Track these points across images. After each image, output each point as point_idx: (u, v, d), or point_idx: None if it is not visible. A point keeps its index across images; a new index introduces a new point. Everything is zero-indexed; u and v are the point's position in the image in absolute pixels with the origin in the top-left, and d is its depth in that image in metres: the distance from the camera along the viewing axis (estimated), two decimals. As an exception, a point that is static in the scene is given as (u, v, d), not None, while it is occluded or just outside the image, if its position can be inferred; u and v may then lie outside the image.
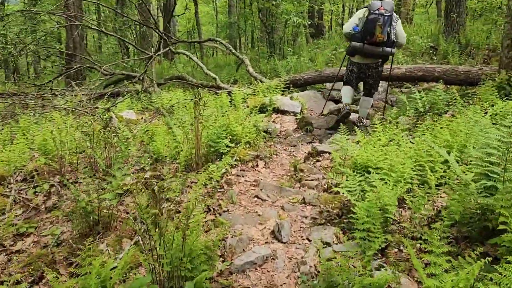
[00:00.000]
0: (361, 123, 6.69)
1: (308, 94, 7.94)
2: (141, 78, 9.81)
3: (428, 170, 3.09)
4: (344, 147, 4.17)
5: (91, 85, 10.19)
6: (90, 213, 3.15)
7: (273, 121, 6.96)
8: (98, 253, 2.96)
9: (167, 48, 9.43)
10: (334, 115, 7.04)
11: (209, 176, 3.98)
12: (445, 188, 3.18)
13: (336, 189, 3.09)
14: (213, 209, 3.68)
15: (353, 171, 3.56)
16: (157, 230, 2.22)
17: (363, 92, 6.66)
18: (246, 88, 8.16)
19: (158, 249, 2.22)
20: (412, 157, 3.46)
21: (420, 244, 2.70)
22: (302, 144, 6.09)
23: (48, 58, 13.89)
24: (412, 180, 3.21)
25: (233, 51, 9.22)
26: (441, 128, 4.08)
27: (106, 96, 9.26)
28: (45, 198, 4.73)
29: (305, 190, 4.13)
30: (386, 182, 3.13)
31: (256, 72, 9.56)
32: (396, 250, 2.75)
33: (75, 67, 10.74)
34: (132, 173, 4.74)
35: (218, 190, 4.11)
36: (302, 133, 6.51)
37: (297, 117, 7.07)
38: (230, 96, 7.70)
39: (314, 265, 2.83)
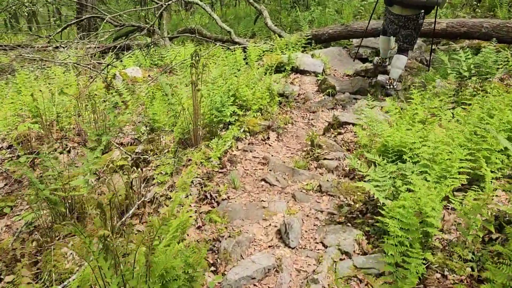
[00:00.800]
0: (391, 86, 5.83)
1: (332, 52, 7.01)
2: (151, 30, 9.01)
3: (482, 162, 2.33)
4: (371, 122, 3.39)
5: (99, 37, 9.45)
6: (56, 203, 2.56)
7: (291, 82, 6.14)
8: (60, 258, 2.39)
9: (178, -3, 8.53)
10: (361, 77, 6.16)
11: (206, 154, 3.32)
12: (506, 187, 2.42)
13: (360, 184, 2.39)
14: (210, 195, 3.04)
15: (382, 157, 2.82)
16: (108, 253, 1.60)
17: (396, 49, 5.73)
18: (263, 43, 7.27)
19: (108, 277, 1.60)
20: (461, 143, 2.67)
21: (473, 268, 2.01)
22: (322, 111, 5.30)
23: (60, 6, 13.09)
24: (460, 175, 2.45)
25: (251, 0, 8.22)
26: (495, 101, 3.24)
27: (114, 50, 8.54)
28: (29, 169, 4.20)
29: (322, 174, 3.43)
30: (426, 178, 2.39)
31: (275, 25, 8.58)
32: (438, 276, 2.05)
33: (83, 16, 9.99)
34: (124, 145, 4.13)
35: (219, 170, 3.45)
36: (323, 97, 5.70)
37: (319, 78, 6.22)
38: (245, 52, 6.87)
39: (328, 284, 2.18)
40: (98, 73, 5.73)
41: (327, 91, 5.73)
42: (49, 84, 5.83)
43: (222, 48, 7.23)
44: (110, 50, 8.45)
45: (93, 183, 3.15)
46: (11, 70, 6.42)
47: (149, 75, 6.81)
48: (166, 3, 8.10)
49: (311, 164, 3.64)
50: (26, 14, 14.93)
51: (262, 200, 3.03)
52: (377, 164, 2.63)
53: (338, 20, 8.44)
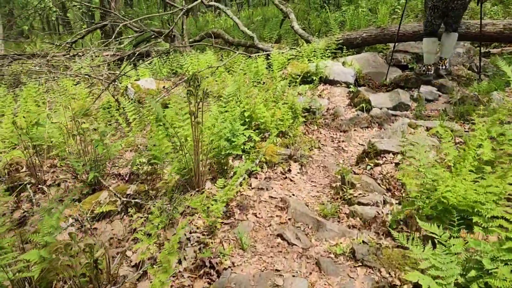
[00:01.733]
0: (443, 67, 5.32)
1: (365, 58, 6.16)
2: (170, 35, 8.42)
3: None
4: (419, 160, 2.57)
5: (119, 44, 8.96)
6: None
7: (319, 95, 5.35)
8: None
9: (198, 1, 7.86)
10: (400, 88, 5.28)
11: (209, 199, 2.63)
12: None
13: (411, 276, 1.62)
14: (210, 263, 2.33)
15: (442, 223, 2.02)
16: None
17: (444, 29, 5.27)
18: (288, 49, 6.51)
19: None
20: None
21: None
22: (355, 130, 4.50)
23: (83, 13, 12.78)
24: None
25: (276, 2, 7.46)
26: None
27: (133, 57, 8.00)
28: (15, 205, 3.64)
29: (355, 227, 2.65)
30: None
31: (303, 28, 7.78)
32: None
33: (103, 22, 9.55)
34: (121, 177, 3.48)
35: (225, 221, 2.74)
36: (356, 113, 4.88)
37: (351, 89, 5.40)
38: (268, 60, 6.13)
39: None
40: (105, 87, 5.14)
41: (361, 105, 4.91)
42: (53, 99, 5.29)
43: (244, 56, 6.51)
44: (128, 58, 7.92)
45: (73, 232, 2.50)
46: (18, 83, 5.94)
47: (164, 87, 6.19)
48: (185, 7, 7.47)
49: (341, 210, 2.87)
50: (54, 19, 14.76)
51: (277, 269, 2.29)
52: (436, 241, 1.84)
53: (372, 22, 7.54)
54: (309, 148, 3.97)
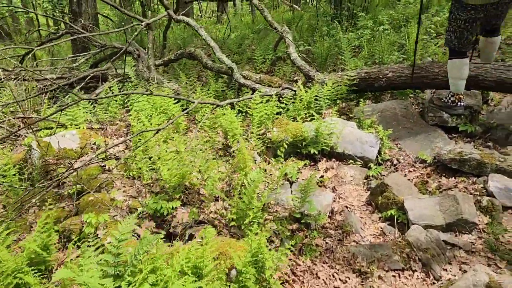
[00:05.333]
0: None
1: (391, 110, 4.00)
2: (134, 54, 6.34)
3: None
4: None
5: (72, 62, 6.91)
6: None
7: (319, 182, 3.23)
8: None
9: (162, 15, 5.73)
10: (453, 177, 3.14)
11: None
12: None
13: None
14: None
15: None
16: None
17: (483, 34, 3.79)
18: (280, 88, 4.35)
19: None
20: None
21: None
22: (380, 275, 2.38)
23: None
24: None
25: (269, 19, 5.31)
26: None
27: (83, 83, 5.92)
28: None
29: None
30: None
31: (304, 54, 5.62)
32: None
33: (59, 33, 7.48)
34: None
35: None
36: (381, 228, 2.77)
37: (371, 171, 3.28)
38: (249, 109, 4.01)
39: None
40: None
41: (389, 212, 2.79)
42: None
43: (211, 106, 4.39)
44: (83, 81, 5.84)
45: None
46: None
47: (90, 141, 4.09)
48: (147, 21, 5.36)
49: None
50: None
51: None
52: None
53: (400, 49, 5.35)
54: None
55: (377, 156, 3.44)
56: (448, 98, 3.72)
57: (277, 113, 3.90)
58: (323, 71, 5.44)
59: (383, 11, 8.58)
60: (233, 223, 2.57)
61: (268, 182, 3.13)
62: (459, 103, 3.67)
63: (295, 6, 14.88)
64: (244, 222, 2.40)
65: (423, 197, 2.80)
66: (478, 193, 2.91)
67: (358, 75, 4.29)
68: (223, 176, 3.27)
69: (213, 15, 18.34)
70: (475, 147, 3.54)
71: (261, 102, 3.88)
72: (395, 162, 3.49)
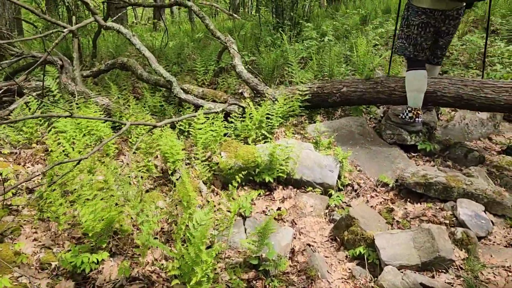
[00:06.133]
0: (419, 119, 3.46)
1: (346, 128, 3.70)
2: (57, 64, 5.53)
3: None
4: None
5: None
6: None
7: (277, 216, 2.78)
8: None
9: (90, 20, 5.05)
10: (417, 195, 2.87)
11: None
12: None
13: None
14: None
15: None
16: None
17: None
18: (227, 104, 3.88)
19: None
20: None
21: None
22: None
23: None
24: None
25: (211, 27, 4.83)
26: None
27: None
28: None
29: None
30: None
31: (251, 65, 5.22)
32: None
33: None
34: None
35: None
36: (350, 265, 2.39)
37: (333, 200, 2.92)
38: (192, 128, 3.48)
39: None
40: None
41: (357, 250, 2.42)
42: None
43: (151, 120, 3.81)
44: None
45: None
46: None
47: None
48: (70, 28, 4.62)
49: None
50: None
51: None
52: None
53: (353, 59, 5.13)
54: None
55: (337, 181, 3.08)
56: (405, 114, 3.50)
57: (225, 134, 3.41)
58: (270, 84, 5.06)
59: (327, 21, 8.48)
60: (176, 282, 2.03)
61: (217, 219, 2.63)
62: (417, 119, 3.45)
63: (235, 15, 14.55)
64: (191, 284, 1.88)
65: (395, 232, 2.47)
66: (448, 221, 2.65)
67: (311, 90, 3.95)
68: (163, 213, 2.71)
69: (149, 22, 17.48)
70: (437, 166, 3.33)
71: (206, 121, 3.37)
72: (356, 186, 3.15)
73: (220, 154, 3.10)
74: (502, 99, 3.08)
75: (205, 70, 5.64)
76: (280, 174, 2.92)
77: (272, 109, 3.59)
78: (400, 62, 5.66)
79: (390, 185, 3.12)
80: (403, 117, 3.51)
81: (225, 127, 3.44)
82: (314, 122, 4.03)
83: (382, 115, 4.19)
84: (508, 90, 3.06)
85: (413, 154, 3.52)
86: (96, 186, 2.84)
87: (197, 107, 4.19)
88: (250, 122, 3.39)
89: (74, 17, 5.95)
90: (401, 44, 3.44)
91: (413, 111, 3.43)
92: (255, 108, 3.52)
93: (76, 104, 4.58)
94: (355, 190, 3.12)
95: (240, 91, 5.17)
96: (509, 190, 3.05)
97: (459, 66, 5.69)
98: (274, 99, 3.91)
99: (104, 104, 4.79)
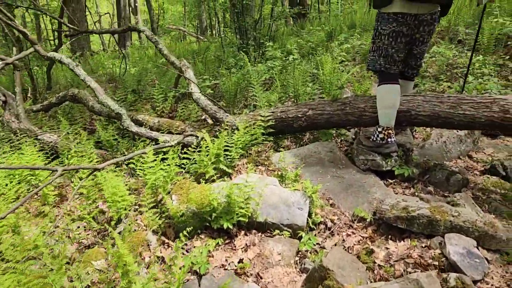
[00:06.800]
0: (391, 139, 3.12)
1: (314, 155, 3.31)
2: (2, 101, 5.00)
3: None
4: None
5: None
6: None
7: (240, 268, 2.33)
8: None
9: (29, 51, 4.56)
10: (404, 242, 2.48)
11: None
12: None
13: None
14: None
15: None
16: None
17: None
18: (183, 136, 3.44)
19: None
20: None
21: None
22: None
23: None
24: None
25: (165, 52, 4.42)
26: None
27: None
28: None
29: None
30: None
31: (212, 86, 4.82)
32: None
33: None
34: None
35: None
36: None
37: (305, 242, 2.49)
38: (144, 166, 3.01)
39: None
40: None
41: (335, 310, 1.97)
42: None
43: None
44: None
45: None
46: None
47: None
48: (5, 62, 4.12)
49: None
50: None
51: None
52: None
53: (318, 75, 4.80)
54: None
55: (307, 220, 2.66)
56: (376, 136, 3.15)
57: (180, 172, 2.97)
58: (233, 109, 4.67)
59: (291, 39, 8.23)
60: None
61: (166, 282, 2.15)
62: (389, 140, 3.10)
63: (201, 37, 14.26)
64: None
65: (378, 285, 2.05)
66: (437, 262, 2.26)
67: (274, 115, 3.56)
68: (102, 277, 2.22)
69: (116, 48, 17.01)
70: (417, 193, 2.97)
71: (156, 159, 2.92)
72: (329, 224, 2.74)
73: (172, 198, 2.64)
74: (482, 115, 2.76)
75: (164, 97, 5.20)
76: (241, 219, 2.48)
77: (231, 139, 3.17)
78: (369, 77, 5.39)
79: (368, 220, 2.72)
80: (374, 139, 3.16)
81: (178, 165, 2.99)
82: (281, 150, 3.64)
83: (354, 136, 3.84)
84: (488, 105, 2.75)
85: (390, 180, 3.15)
86: (23, 247, 2.33)
87: (152, 140, 3.75)
88: (206, 156, 2.95)
89: (14, 48, 5.42)
90: (372, 58, 3.10)
91: (384, 132, 3.08)
92: (211, 139, 3.10)
93: (19, 143, 4.07)
94: (329, 228, 2.71)
95: (203, 117, 4.76)
96: (500, 217, 2.71)
97: (429, 78, 5.47)
98: (234, 127, 3.51)
99: (52, 142, 4.30)
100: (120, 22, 15.31)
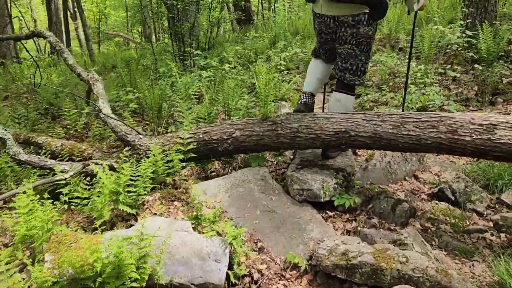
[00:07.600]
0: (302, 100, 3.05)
1: (243, 185, 2.76)
2: None
3: None
4: None
5: None
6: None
7: None
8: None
9: None
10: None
11: None
12: None
13: None
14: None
15: None
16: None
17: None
18: (79, 169, 2.77)
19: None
20: None
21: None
22: None
23: None
24: None
25: (71, 62, 3.72)
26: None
27: None
28: None
29: None
30: None
31: (136, 99, 4.16)
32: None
33: None
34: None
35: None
36: None
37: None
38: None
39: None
40: None
41: None
42: None
43: None
44: None
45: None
46: None
47: None
48: None
49: None
50: None
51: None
52: None
53: (252, 84, 4.29)
54: None
55: (227, 275, 2.10)
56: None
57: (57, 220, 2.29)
58: (157, 127, 4.04)
59: (232, 46, 7.72)
60: None
61: None
62: (302, 99, 3.07)
63: (142, 43, 13.37)
64: None
65: None
66: (384, 327, 1.79)
67: (195, 137, 2.98)
68: None
69: (51, 56, 15.66)
70: (360, 227, 2.51)
71: (34, 200, 2.23)
72: (256, 276, 2.20)
73: (45, 259, 1.98)
74: (429, 136, 2.36)
75: (77, 116, 4.44)
76: (134, 285, 1.86)
77: (137, 170, 2.55)
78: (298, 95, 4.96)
79: (303, 268, 2.22)
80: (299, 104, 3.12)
81: (52, 210, 2.31)
82: (207, 178, 3.07)
83: (292, 156, 3.35)
84: (434, 125, 2.35)
85: (329, 213, 2.68)
86: None
87: (49, 170, 3.03)
88: (100, 196, 2.30)
89: None
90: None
91: (303, 94, 3.12)
92: (110, 172, 2.45)
93: None
94: (255, 282, 2.17)
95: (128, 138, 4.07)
96: (452, 254, 2.31)
97: (372, 88, 5.16)
98: (147, 153, 2.89)
99: None
100: (51, 28, 14.05)
